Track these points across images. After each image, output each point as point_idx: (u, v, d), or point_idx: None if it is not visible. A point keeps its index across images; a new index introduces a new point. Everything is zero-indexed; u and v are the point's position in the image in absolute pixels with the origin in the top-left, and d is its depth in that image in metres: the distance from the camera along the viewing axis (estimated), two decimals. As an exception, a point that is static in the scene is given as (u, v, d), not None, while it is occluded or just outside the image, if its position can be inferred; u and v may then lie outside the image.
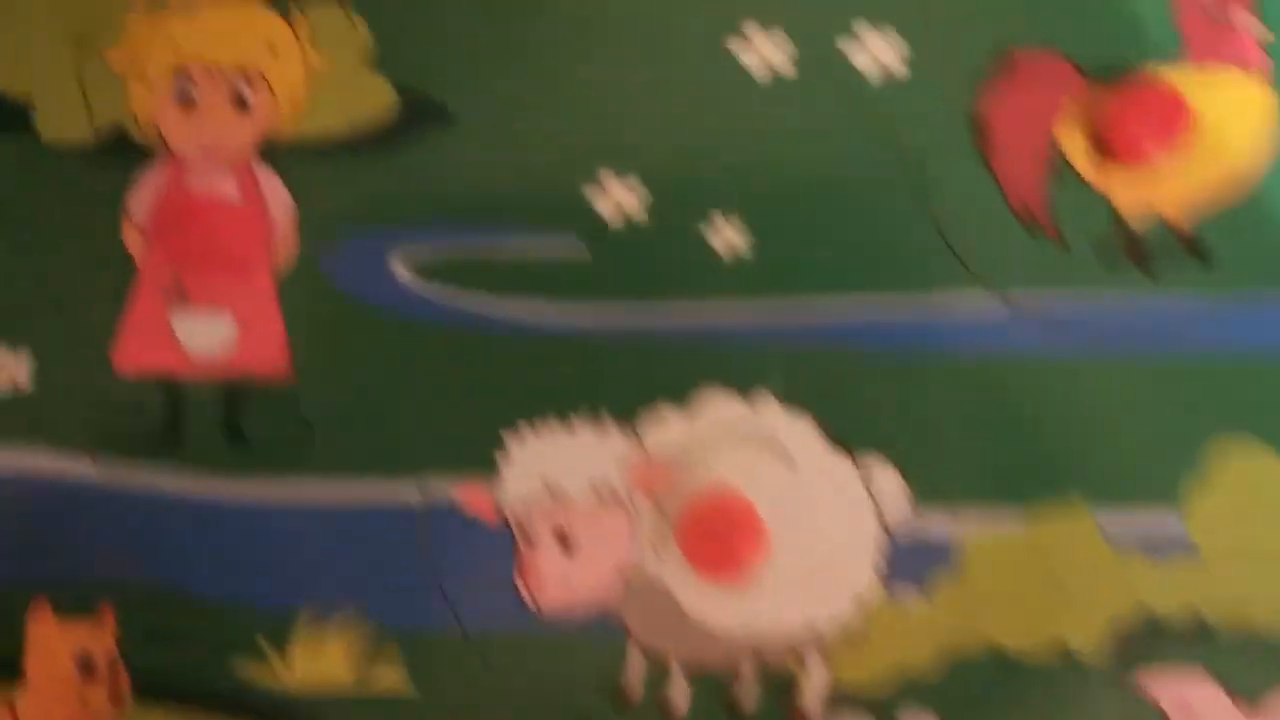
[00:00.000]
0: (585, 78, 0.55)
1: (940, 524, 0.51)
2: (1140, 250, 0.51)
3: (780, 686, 0.51)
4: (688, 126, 0.53)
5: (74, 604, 0.54)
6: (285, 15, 0.56)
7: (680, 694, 0.51)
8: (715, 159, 0.54)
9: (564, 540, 0.50)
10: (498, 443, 0.52)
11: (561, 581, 0.51)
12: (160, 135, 0.55)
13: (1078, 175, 0.52)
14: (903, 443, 0.51)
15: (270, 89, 0.56)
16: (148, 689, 0.53)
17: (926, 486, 0.52)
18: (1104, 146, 0.51)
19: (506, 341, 0.54)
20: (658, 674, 0.51)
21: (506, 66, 0.55)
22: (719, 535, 0.50)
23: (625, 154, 0.54)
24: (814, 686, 0.51)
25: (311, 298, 0.55)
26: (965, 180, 0.52)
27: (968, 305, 0.52)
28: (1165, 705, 0.49)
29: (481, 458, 0.52)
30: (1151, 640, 0.49)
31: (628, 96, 0.54)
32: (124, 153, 0.56)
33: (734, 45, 0.54)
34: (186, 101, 0.55)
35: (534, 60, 0.55)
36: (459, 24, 0.55)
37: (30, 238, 0.56)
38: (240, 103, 0.54)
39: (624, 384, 0.53)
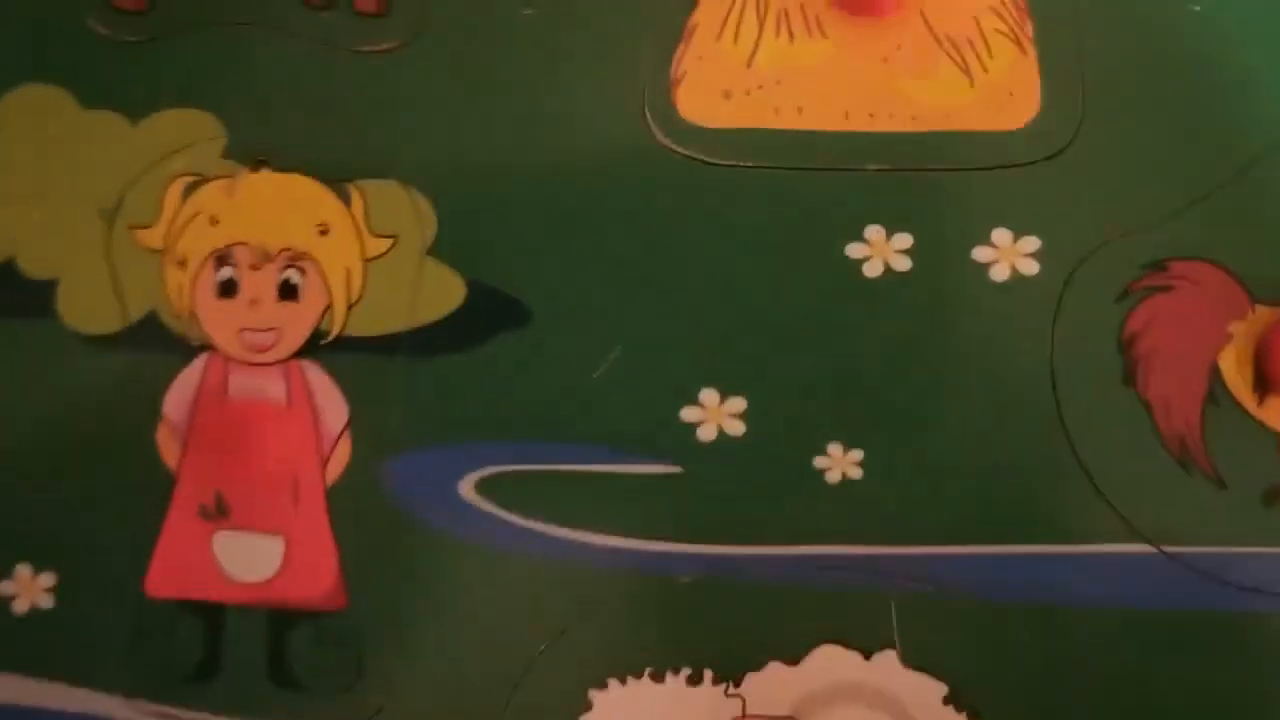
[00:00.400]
0: (685, 284, 0.49)
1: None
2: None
3: None
4: (799, 339, 0.47)
5: None
6: (340, 193, 0.50)
7: None
8: (829, 377, 0.48)
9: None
10: (578, 694, 0.46)
11: None
12: (198, 326, 0.48)
13: (1240, 408, 0.45)
14: (1041, 706, 0.45)
15: (323, 276, 0.50)
16: None
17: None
18: (1272, 378, 0.44)
19: (586, 573, 0.48)
20: None
21: (589, 263, 0.49)
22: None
23: (730, 371, 0.49)
24: None
25: (368, 516, 0.49)
26: (1110, 406, 0.46)
27: (1114, 552, 0.45)
28: None
29: (559, 709, 0.46)
30: None
31: (733, 305, 0.48)
32: (158, 345, 0.50)
33: (853, 250, 0.47)
34: (228, 289, 0.48)
35: (622, 258, 0.49)
36: (535, 212, 0.50)
37: (51, 439, 0.49)
38: (289, 291, 0.48)
39: (721, 630, 0.47)
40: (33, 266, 0.50)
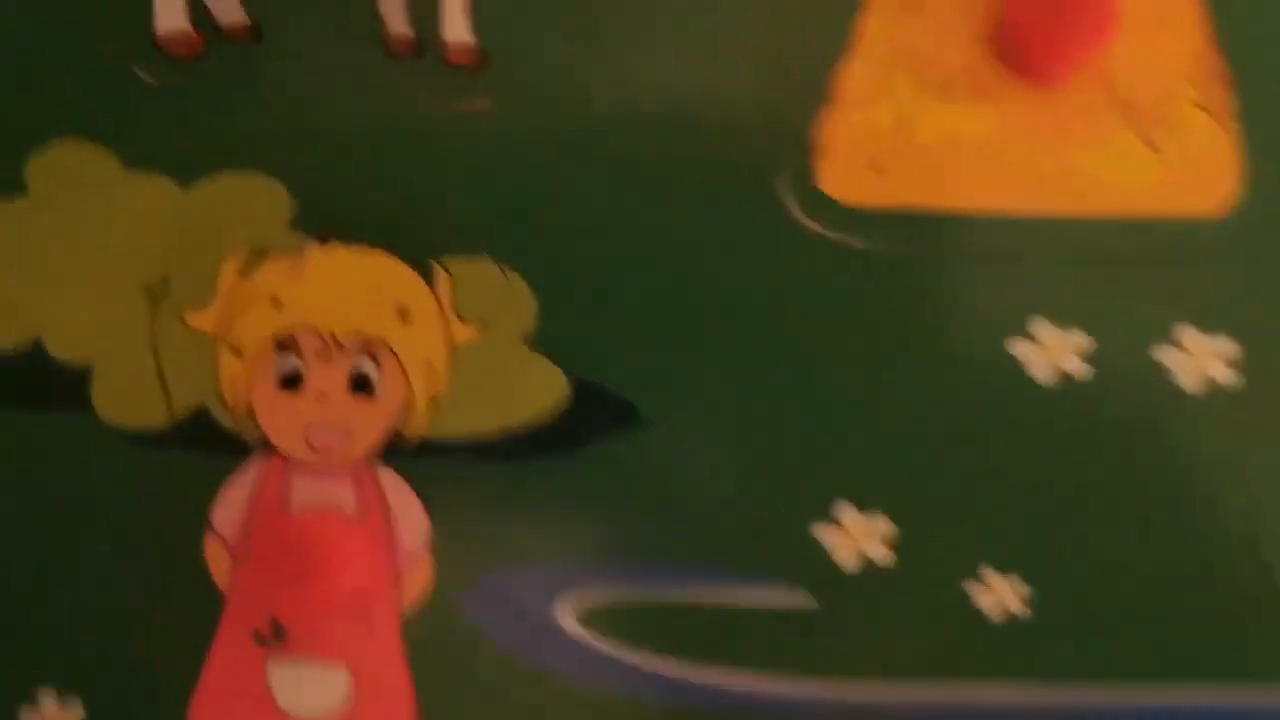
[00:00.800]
0: (823, 384, 0.44)
1: None
2: None
3: None
4: (954, 451, 0.41)
5: None
6: (423, 272, 0.45)
7: None
8: (989, 496, 0.43)
9: None
10: None
11: None
12: (255, 423, 0.42)
13: None
14: None
15: (401, 367, 0.45)
16: None
17: None
18: None
19: (708, 717, 0.43)
20: None
21: (713, 359, 0.45)
22: None
23: (870, 485, 0.44)
24: None
25: (449, 648, 0.44)
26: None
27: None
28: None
29: None
30: None
31: (880, 410, 0.43)
32: (207, 444, 0.45)
33: (1020, 350, 0.41)
34: (291, 380, 0.43)
35: (750, 353, 0.45)
36: (650, 299, 0.45)
37: (81, 548, 0.42)
38: (362, 384, 0.44)
39: None
40: (63, 350, 0.45)
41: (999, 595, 0.42)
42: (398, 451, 0.45)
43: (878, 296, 0.44)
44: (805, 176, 0.44)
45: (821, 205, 0.44)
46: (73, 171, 0.46)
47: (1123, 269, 0.43)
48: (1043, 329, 0.43)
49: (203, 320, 0.45)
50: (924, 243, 0.43)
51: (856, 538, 0.43)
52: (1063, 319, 0.43)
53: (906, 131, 0.44)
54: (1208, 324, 0.43)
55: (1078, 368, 0.43)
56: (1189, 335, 0.43)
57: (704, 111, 0.44)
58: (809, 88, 0.44)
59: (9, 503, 0.45)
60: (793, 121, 0.44)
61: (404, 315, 0.45)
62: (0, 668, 0.45)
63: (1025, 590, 0.43)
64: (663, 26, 0.44)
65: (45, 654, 0.45)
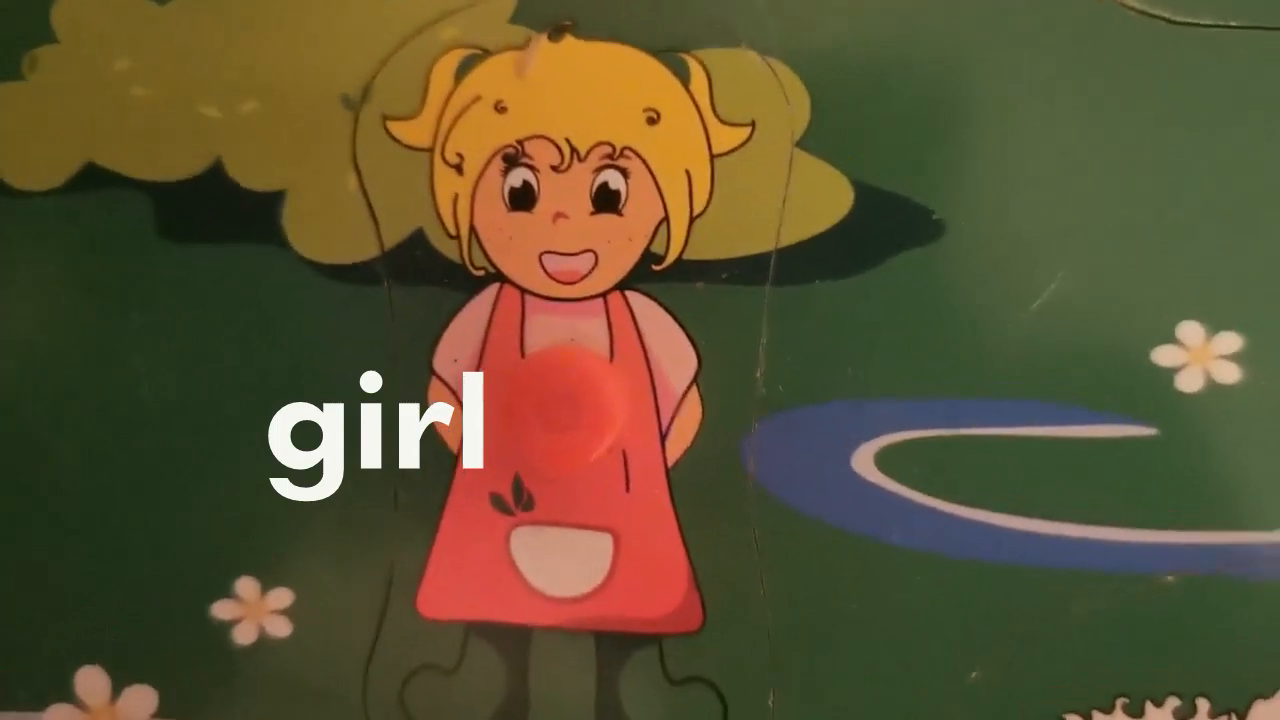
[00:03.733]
0: (1149, 183, 0.39)
1: None
2: None
3: None
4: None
5: None
6: (675, 67, 0.39)
7: None
8: None
9: None
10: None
11: None
12: (482, 250, 0.36)
13: None
14: None
15: (654, 178, 0.39)
16: None
17: None
18: None
19: (1036, 576, 0.38)
20: None
21: (1021, 157, 0.39)
22: None
23: (1222, 299, 0.38)
24: None
25: (727, 504, 0.39)
26: None
27: None
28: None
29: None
30: None
31: (1231, 207, 0.38)
32: (426, 276, 0.40)
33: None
34: (523, 198, 0.37)
35: (1065, 148, 0.39)
36: (943, 88, 0.39)
37: (283, 404, 0.37)
38: (607, 199, 0.39)
39: (1221, 646, 0.38)
40: (247, 175, 0.39)
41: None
42: (653, 277, 0.39)
43: (1203, 70, 0.38)
44: (1120, -59, 0.38)
45: (1136, -27, 0.38)
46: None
47: None
48: None
49: (413, 131, 0.39)
50: (1250, 12, 0.38)
51: (1201, 357, 0.37)
52: None
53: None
54: None
55: None
56: None
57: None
58: None
59: (192, 350, 0.39)
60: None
61: (654, 119, 0.39)
62: (197, 553, 0.39)
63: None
64: None
65: (242, 537, 0.40)
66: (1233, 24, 0.38)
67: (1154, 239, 0.38)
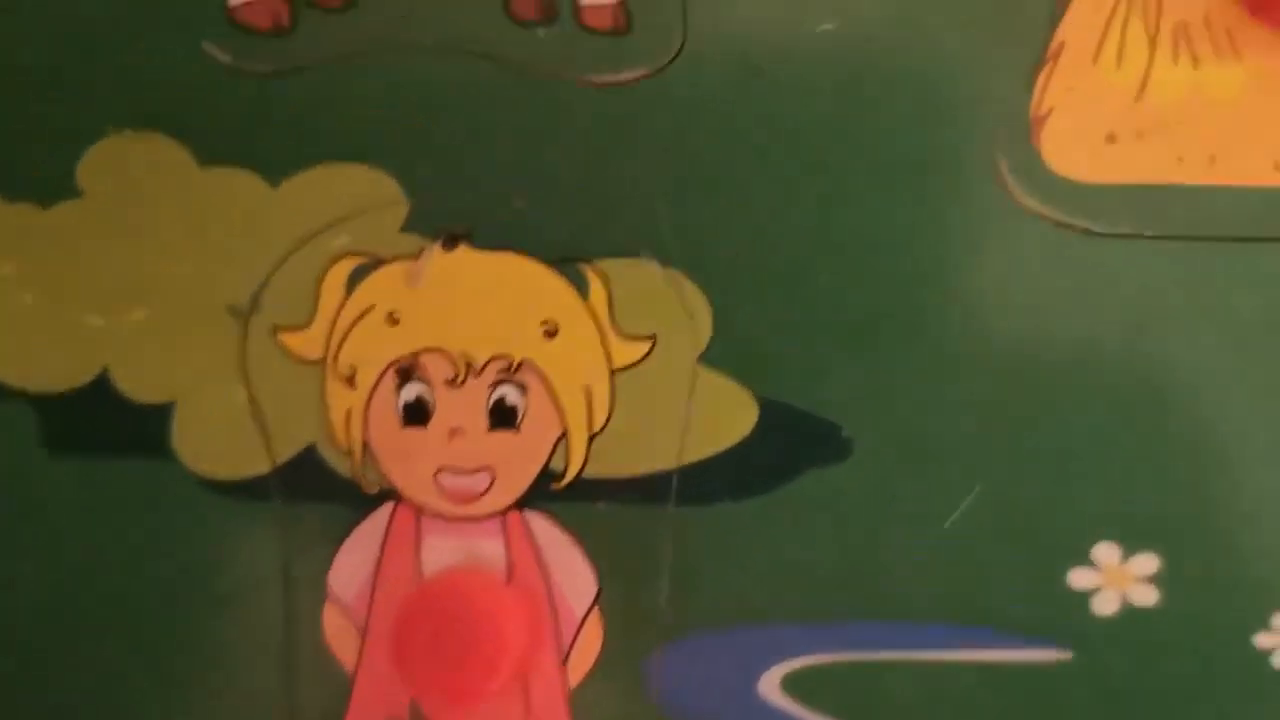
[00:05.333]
0: (1070, 396, 0.38)
1: None
2: None
3: None
4: (1240, 470, 0.37)
5: None
6: (573, 278, 0.39)
7: None
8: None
9: None
10: None
11: None
12: (375, 467, 0.35)
13: None
14: None
15: (551, 394, 0.39)
16: None
17: None
18: None
19: None
20: None
21: (932, 369, 0.38)
22: None
23: (1137, 520, 0.38)
24: None
25: None
26: None
27: None
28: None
29: None
30: None
31: (1143, 425, 0.38)
32: (318, 494, 0.39)
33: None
34: (417, 413, 0.37)
35: (975, 361, 0.38)
36: (851, 299, 0.38)
37: (175, 624, 0.37)
38: (504, 416, 0.39)
39: None
40: (135, 386, 0.37)
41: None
42: (551, 496, 0.38)
43: (1117, 287, 0.37)
44: (1027, 150, 0.38)
45: (1047, 183, 0.38)
46: (138, 171, 0.39)
47: None
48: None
49: (304, 343, 0.39)
50: (1170, 223, 0.37)
51: (1116, 580, 0.37)
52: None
53: (1143, 94, 0.38)
54: None
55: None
56: None
57: (897, 77, 0.38)
58: (1023, 49, 0.38)
59: (77, 566, 0.38)
60: (1008, 87, 0.38)
61: (552, 332, 0.38)
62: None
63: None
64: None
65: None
66: (1147, 234, 0.37)
67: (1070, 455, 0.38)
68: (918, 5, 0.38)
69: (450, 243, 0.39)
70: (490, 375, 0.38)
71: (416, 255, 0.38)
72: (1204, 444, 0.38)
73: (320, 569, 0.38)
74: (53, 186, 0.39)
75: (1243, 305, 0.37)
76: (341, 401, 0.39)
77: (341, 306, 0.39)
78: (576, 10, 0.38)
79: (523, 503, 0.38)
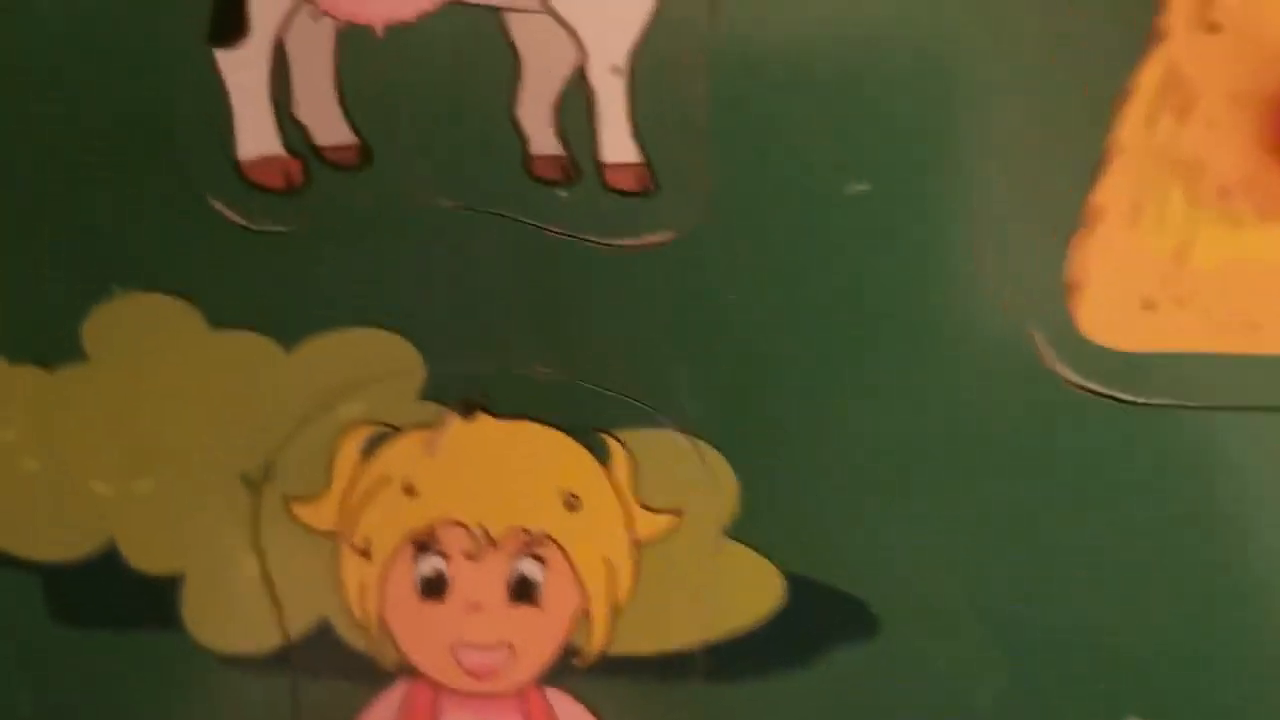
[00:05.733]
0: (1099, 574, 0.37)
1: None
2: None
3: None
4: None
5: None
6: (594, 448, 0.38)
7: None
8: None
9: None
10: None
11: None
12: (392, 642, 0.35)
13: None
14: None
15: (573, 568, 0.38)
16: None
17: None
18: None
19: None
20: None
21: (960, 544, 0.37)
22: None
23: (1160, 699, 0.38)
24: None
25: None
26: None
27: None
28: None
29: None
30: None
31: (1174, 608, 0.37)
32: (333, 669, 0.38)
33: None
34: (435, 587, 0.37)
35: (1006, 537, 0.37)
36: (880, 470, 0.37)
37: None
38: (524, 590, 0.38)
39: None
40: (143, 557, 0.37)
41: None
42: (572, 672, 0.37)
43: (1162, 461, 0.37)
44: (1062, 317, 0.37)
45: (1083, 350, 0.37)
46: (143, 331, 0.37)
47: None
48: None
49: (318, 514, 0.38)
50: (1211, 394, 0.36)
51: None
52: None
53: (1184, 258, 0.37)
54: None
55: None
56: None
57: (929, 238, 0.37)
58: (1061, 210, 0.37)
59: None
60: (1044, 250, 0.37)
61: (572, 503, 0.38)
62: None
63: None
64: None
65: None
66: (1190, 405, 0.37)
67: (1101, 631, 0.37)
68: (947, 167, 0.37)
69: (468, 410, 0.38)
70: (510, 547, 0.37)
71: (434, 423, 0.38)
72: (1242, 621, 0.37)
73: (335, 750, 0.38)
74: (57, 348, 0.38)
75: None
76: (357, 574, 0.38)
77: (357, 476, 0.38)
78: (600, 170, 0.38)
79: (544, 679, 0.38)
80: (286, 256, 0.38)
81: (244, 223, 0.38)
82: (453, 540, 0.38)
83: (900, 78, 0.36)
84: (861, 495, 0.37)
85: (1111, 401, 0.37)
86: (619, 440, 0.37)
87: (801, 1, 0.36)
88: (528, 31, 0.37)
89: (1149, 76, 0.37)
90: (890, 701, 0.37)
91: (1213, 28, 0.37)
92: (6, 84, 0.37)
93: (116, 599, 0.38)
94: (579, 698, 0.38)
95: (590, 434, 0.37)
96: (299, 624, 0.38)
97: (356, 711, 0.38)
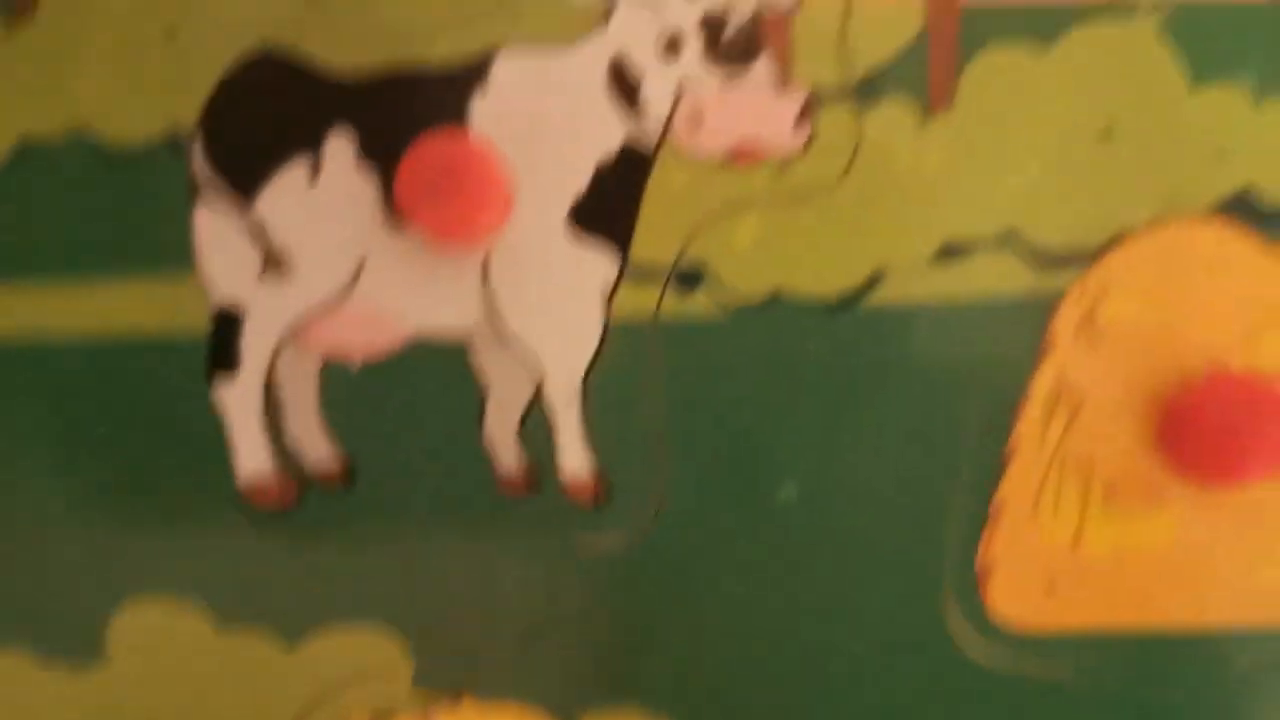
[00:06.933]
0: None
1: None
2: None
3: None
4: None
5: None
6: None
7: None
8: None
9: None
10: None
11: None
12: None
13: None
14: None
15: None
16: None
17: None
18: None
19: None
20: None
21: None
22: None
23: None
24: None
25: None
26: None
27: None
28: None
29: None
30: None
31: None
32: None
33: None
34: None
35: None
36: None
37: None
38: None
39: None
40: None
41: None
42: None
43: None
44: (974, 601, 0.41)
45: (994, 632, 0.41)
46: (157, 636, 0.42)
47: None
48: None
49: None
50: (1106, 671, 0.41)
51: None
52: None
53: (1078, 545, 0.42)
54: None
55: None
56: None
57: (854, 534, 0.42)
58: (967, 506, 0.41)
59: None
60: (956, 541, 0.41)
61: None
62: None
63: None
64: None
65: None
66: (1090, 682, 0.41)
67: None
68: (875, 460, 0.42)
69: (456, 698, 0.42)
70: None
71: (425, 712, 0.42)
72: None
73: None
74: (81, 649, 0.42)
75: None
76: None
77: (362, 762, 0.42)
78: (561, 480, 0.42)
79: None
80: (285, 560, 0.42)
81: (250, 528, 0.42)
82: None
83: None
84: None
85: (1021, 679, 0.42)
86: (592, 722, 0.43)
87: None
88: (491, 360, 0.42)
89: (1041, 383, 0.42)
90: None
91: (1095, 338, 0.41)
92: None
93: None
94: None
95: (566, 715, 0.41)
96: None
97: None
